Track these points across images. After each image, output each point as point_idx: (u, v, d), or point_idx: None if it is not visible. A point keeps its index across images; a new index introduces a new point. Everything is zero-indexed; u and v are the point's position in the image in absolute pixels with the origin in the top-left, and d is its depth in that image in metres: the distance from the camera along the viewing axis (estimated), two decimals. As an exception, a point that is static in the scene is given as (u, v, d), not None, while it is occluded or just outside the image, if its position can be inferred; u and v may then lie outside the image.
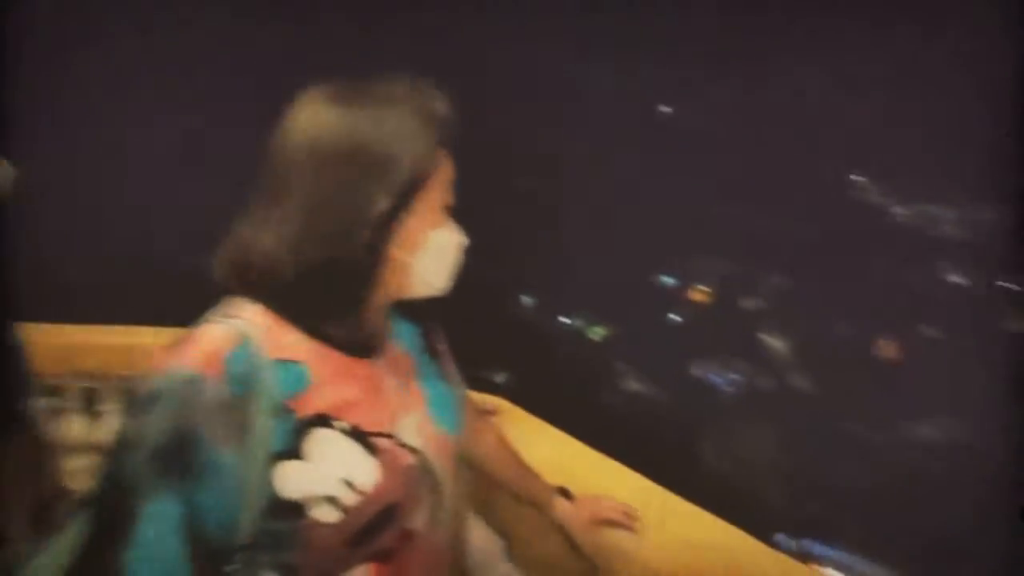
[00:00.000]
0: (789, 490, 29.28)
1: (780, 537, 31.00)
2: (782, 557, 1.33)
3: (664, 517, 1.35)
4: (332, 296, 0.72)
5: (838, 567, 30.10)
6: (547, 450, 2.01)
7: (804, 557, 31.29)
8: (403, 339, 0.85)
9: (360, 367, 0.73)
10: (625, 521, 1.25)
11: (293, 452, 0.64)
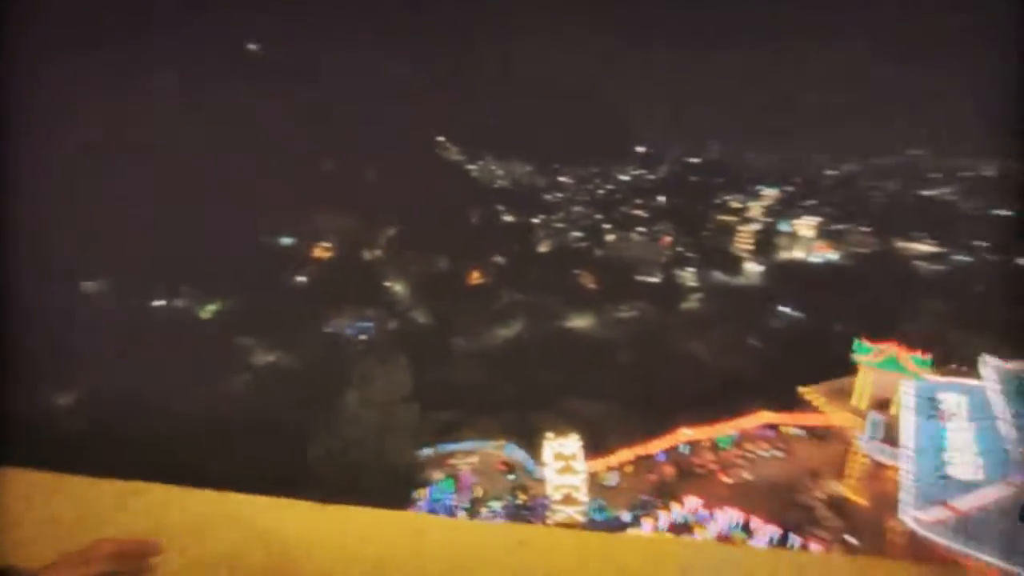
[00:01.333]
0: (423, 408, 35.15)
1: (426, 450, 36.70)
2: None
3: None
4: None
5: (472, 454, 38.17)
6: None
7: (443, 457, 38.19)
8: None
9: None
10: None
11: None
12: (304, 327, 69.87)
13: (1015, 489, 22.08)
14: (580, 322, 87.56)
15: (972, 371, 32.93)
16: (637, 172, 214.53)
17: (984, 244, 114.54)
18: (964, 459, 24.79)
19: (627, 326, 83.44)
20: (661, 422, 38.11)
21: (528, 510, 34.08)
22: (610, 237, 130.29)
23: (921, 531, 22.67)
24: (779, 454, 35.60)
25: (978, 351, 34.52)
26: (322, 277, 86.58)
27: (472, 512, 34.50)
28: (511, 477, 37.09)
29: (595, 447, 36.46)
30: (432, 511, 34.44)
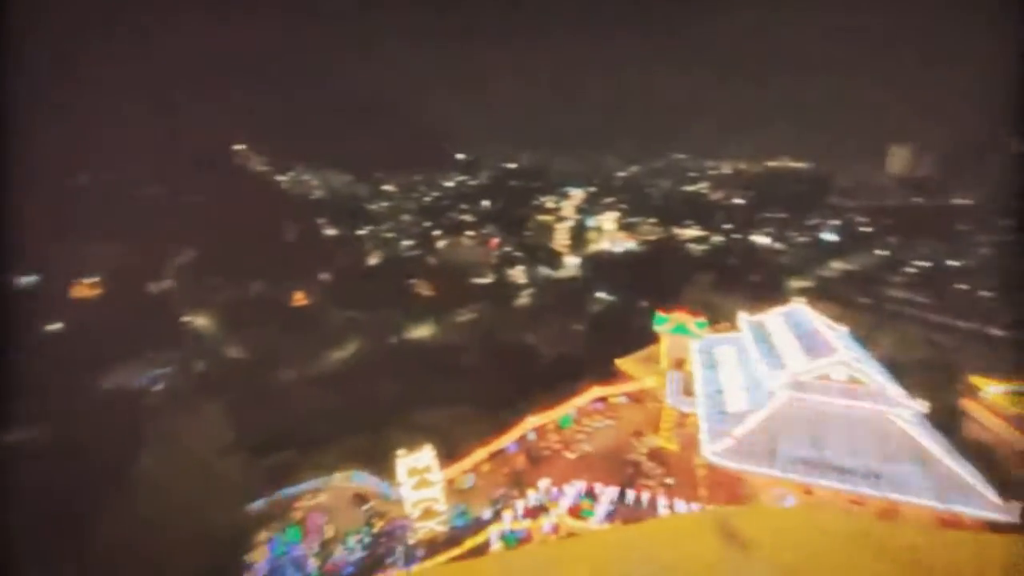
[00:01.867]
0: (249, 456, 30.53)
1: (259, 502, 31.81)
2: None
3: None
4: None
5: (318, 492, 34.22)
6: None
7: (284, 504, 33.76)
8: None
9: None
10: None
11: None
12: (70, 386, 54.73)
13: (771, 410, 28.68)
14: (420, 332, 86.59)
15: (734, 326, 41.89)
16: (460, 178, 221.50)
17: (730, 227, 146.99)
18: (736, 396, 31.35)
19: (467, 329, 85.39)
20: (510, 415, 39.92)
21: (387, 536, 32.27)
22: (441, 243, 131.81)
23: (715, 460, 27.99)
24: (610, 422, 40.34)
25: (735, 309, 44.05)
26: (88, 321, 68.98)
27: (324, 556, 31.26)
28: (365, 507, 34.71)
29: (450, 453, 36.38)
30: (276, 570, 30.16)
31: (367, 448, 42.02)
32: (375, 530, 32.59)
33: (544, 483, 31.14)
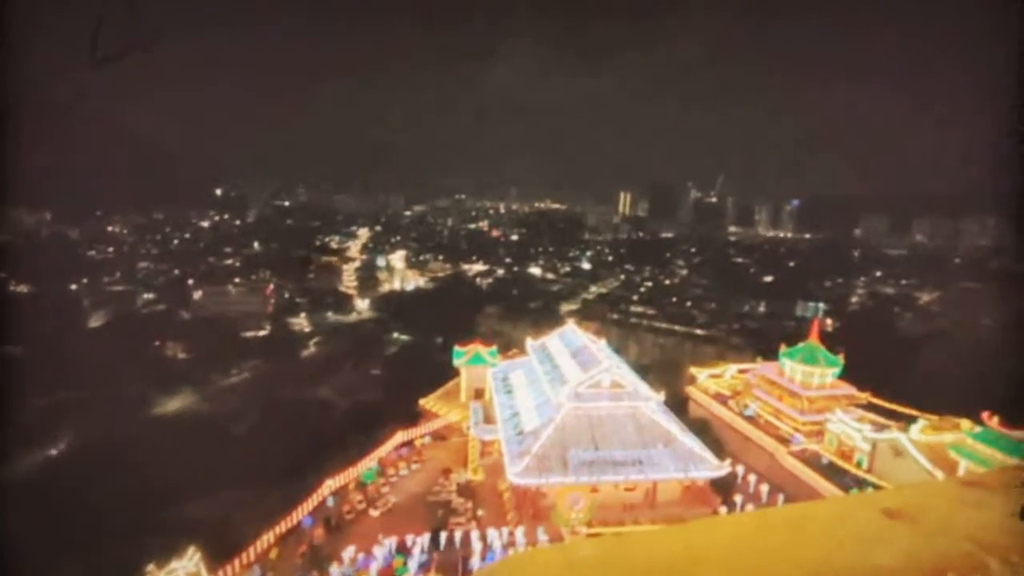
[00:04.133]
0: None
1: None
2: None
3: None
4: None
5: None
6: None
7: None
8: None
9: None
10: None
11: None
12: None
13: (558, 422, 31.76)
14: (174, 404, 69.96)
15: (523, 351, 45.74)
16: (221, 217, 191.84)
17: (510, 260, 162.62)
18: (530, 416, 33.97)
19: (239, 392, 72.59)
20: (301, 485, 34.79)
21: None
22: (198, 294, 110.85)
23: (517, 481, 29.49)
24: (417, 466, 38.91)
25: (522, 336, 48.25)
26: None
27: None
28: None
29: (226, 550, 29.50)
30: None
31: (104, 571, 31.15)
32: None
33: (349, 552, 27.84)
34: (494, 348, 45.07)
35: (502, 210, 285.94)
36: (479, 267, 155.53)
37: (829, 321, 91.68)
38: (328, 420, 55.26)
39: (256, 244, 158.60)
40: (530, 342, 42.73)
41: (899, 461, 33.35)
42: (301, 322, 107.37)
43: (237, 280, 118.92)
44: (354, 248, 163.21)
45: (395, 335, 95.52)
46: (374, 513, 32.58)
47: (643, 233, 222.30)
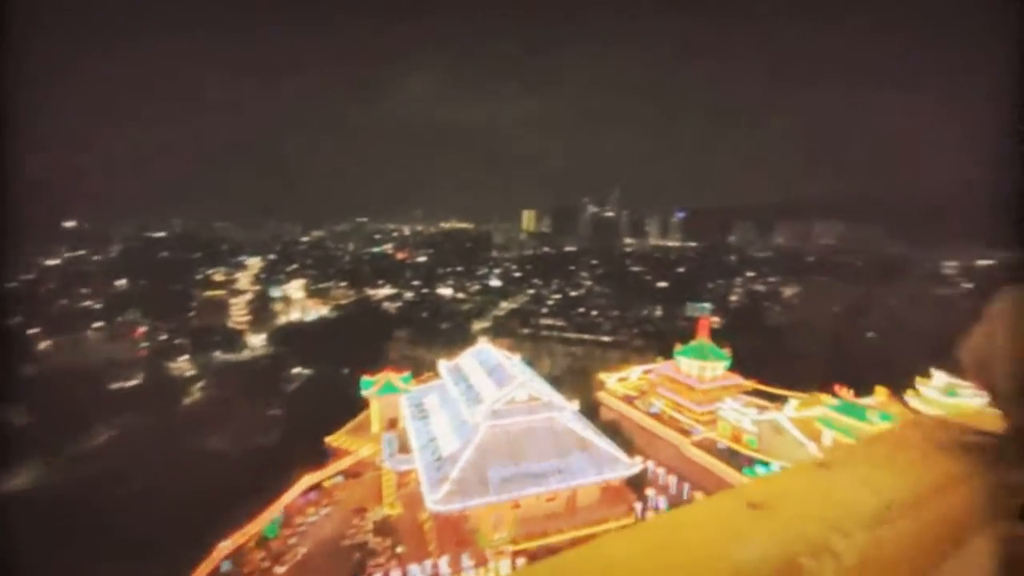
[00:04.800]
0: None
1: None
2: None
3: None
4: None
5: None
6: None
7: None
8: None
9: None
10: None
11: None
12: None
13: (476, 443, 31.28)
14: (17, 482, 58.04)
15: (436, 374, 44.64)
16: (73, 254, 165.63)
17: (418, 283, 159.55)
18: (447, 440, 33.08)
19: (103, 456, 62.21)
20: (191, 554, 30.35)
21: None
22: (46, 343, 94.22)
23: (438, 509, 28.44)
24: (328, 509, 35.98)
25: (435, 358, 47.15)
26: None
27: None
28: None
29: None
30: None
31: None
32: None
33: (252, 621, 24.80)
34: (407, 374, 43.57)
35: (407, 232, 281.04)
36: (386, 291, 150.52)
37: (715, 319, 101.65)
38: (219, 473, 49.23)
39: (122, 281, 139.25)
40: (443, 364, 41.90)
41: (780, 438, 37.44)
42: (182, 366, 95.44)
43: (97, 324, 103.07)
44: (244, 279, 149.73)
45: (296, 370, 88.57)
46: (280, 570, 29.46)
47: (548, 248, 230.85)
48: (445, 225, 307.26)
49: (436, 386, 41.38)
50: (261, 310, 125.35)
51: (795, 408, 38.21)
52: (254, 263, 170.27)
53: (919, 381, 37.92)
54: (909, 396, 37.84)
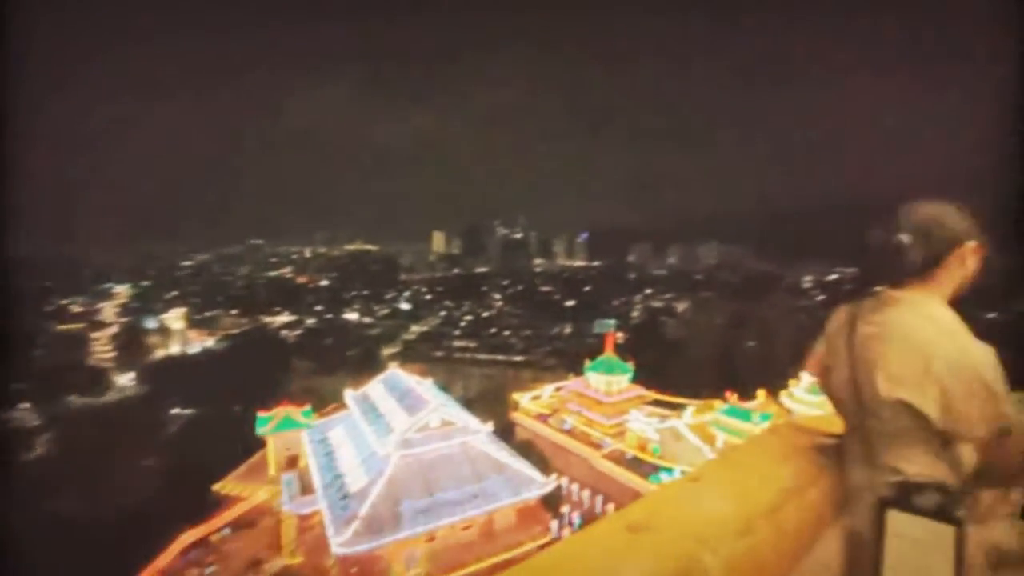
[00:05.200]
0: None
1: None
2: None
3: None
4: None
5: None
6: None
7: None
8: None
9: None
10: None
11: None
12: None
13: (387, 475, 29.70)
14: None
15: (343, 405, 41.93)
16: None
17: (321, 308, 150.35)
18: (355, 475, 31.01)
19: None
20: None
21: None
22: None
23: (344, 552, 26.37)
24: (215, 567, 31.77)
25: (340, 388, 44.33)
26: None
27: None
28: None
29: None
30: None
31: None
32: None
33: None
34: (308, 408, 40.43)
35: (308, 254, 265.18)
36: (284, 318, 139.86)
37: (620, 334, 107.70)
38: (75, 542, 41.52)
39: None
40: (350, 393, 39.57)
41: (680, 444, 40.18)
42: (22, 415, 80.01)
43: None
44: (108, 310, 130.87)
45: (175, 411, 78.31)
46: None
47: (459, 270, 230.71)
48: (350, 247, 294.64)
49: (342, 418, 38.90)
50: (130, 344, 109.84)
51: (692, 415, 41.34)
52: (122, 291, 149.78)
53: (791, 383, 43.08)
54: (783, 396, 42.76)
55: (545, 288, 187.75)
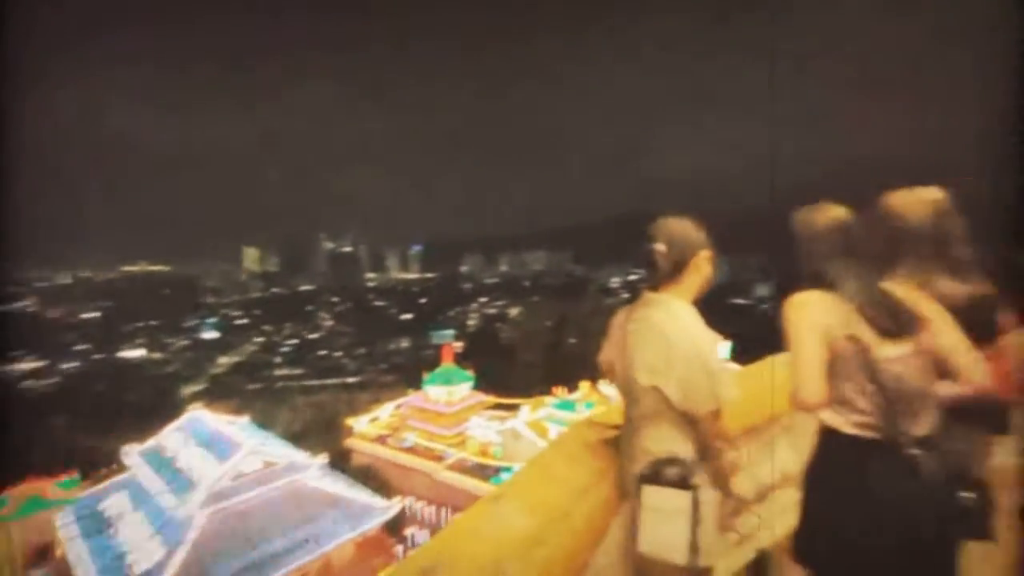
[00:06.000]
0: None
1: None
2: None
3: None
4: None
5: None
6: None
7: None
8: None
9: None
10: None
11: None
12: None
13: (192, 539, 24.79)
14: None
15: (121, 466, 33.69)
16: None
17: (87, 347, 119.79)
18: (146, 549, 25.10)
19: None
20: None
21: None
22: None
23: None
24: None
25: (117, 446, 35.57)
26: None
27: None
28: None
29: None
30: None
31: None
32: None
33: None
34: (68, 478, 31.61)
35: (68, 280, 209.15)
36: (28, 364, 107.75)
37: (458, 344, 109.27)
38: None
39: None
40: (133, 449, 32.13)
41: (519, 443, 42.33)
42: None
43: None
44: None
45: None
46: None
47: (279, 288, 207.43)
48: (129, 268, 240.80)
49: (122, 482, 31.36)
50: None
51: (528, 413, 43.95)
52: None
53: (604, 372, 48.76)
54: (602, 384, 48.37)
55: (379, 303, 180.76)
